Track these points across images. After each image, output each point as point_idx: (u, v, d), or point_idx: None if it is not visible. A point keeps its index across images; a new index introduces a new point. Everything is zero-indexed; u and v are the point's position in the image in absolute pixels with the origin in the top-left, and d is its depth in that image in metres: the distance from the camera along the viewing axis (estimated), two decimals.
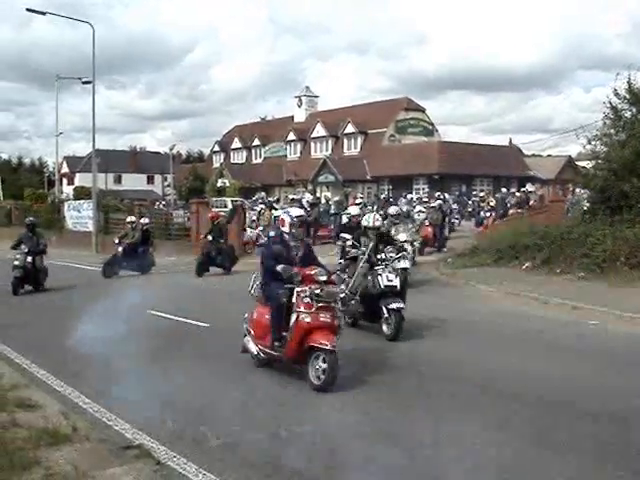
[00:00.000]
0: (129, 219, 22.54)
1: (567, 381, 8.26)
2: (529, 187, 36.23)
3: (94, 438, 6.03)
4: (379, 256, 11.35)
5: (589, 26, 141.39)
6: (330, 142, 63.91)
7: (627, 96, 18.89)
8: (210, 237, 20.64)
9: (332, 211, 31.13)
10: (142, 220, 23.32)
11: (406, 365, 9.17)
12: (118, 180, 79.54)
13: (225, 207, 39.15)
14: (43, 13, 32.83)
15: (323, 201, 37.71)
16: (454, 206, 35.99)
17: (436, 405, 7.30)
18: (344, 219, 20.32)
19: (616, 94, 18.99)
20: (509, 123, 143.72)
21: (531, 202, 32.00)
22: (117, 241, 21.23)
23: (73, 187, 62.74)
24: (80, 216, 36.36)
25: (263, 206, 30.82)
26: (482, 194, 40.43)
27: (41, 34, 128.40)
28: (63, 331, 10.89)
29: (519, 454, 5.81)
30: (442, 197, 29.93)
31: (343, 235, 13.42)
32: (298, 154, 67.38)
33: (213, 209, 29.70)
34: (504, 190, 39.47)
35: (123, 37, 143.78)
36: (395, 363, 9.28)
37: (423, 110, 64.07)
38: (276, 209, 31.60)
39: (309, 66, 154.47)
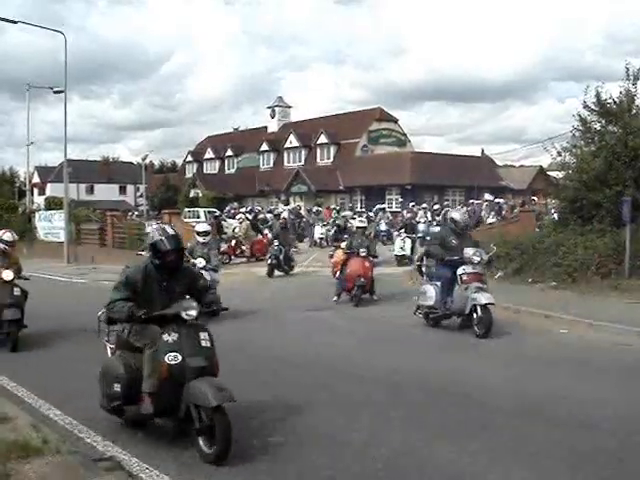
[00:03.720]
0: None
1: (536, 388, 8.30)
2: (487, 196, 36.50)
3: (65, 451, 5.92)
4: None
5: (563, 38, 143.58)
6: (303, 152, 63.99)
7: (596, 108, 19.11)
8: None
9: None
10: None
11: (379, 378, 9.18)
12: (90, 190, 78.80)
13: (198, 217, 39.11)
14: (14, 22, 32.42)
15: (303, 212, 38.29)
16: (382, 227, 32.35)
17: (410, 415, 7.32)
18: None
19: (585, 106, 19.21)
20: (484, 133, 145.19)
21: (503, 212, 32.32)
22: None
23: (44, 197, 62.23)
24: (52, 226, 36.10)
25: (242, 216, 31.05)
26: (437, 206, 35.20)
27: (15, 42, 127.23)
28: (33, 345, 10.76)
29: (493, 463, 5.83)
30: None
31: None
32: (271, 164, 67.38)
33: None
34: (475, 201, 39.56)
35: (99, 46, 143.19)
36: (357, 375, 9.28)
37: (396, 120, 64.43)
38: (249, 219, 31.70)
39: (284, 76, 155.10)
